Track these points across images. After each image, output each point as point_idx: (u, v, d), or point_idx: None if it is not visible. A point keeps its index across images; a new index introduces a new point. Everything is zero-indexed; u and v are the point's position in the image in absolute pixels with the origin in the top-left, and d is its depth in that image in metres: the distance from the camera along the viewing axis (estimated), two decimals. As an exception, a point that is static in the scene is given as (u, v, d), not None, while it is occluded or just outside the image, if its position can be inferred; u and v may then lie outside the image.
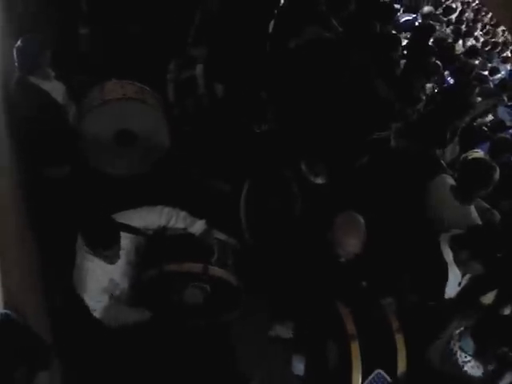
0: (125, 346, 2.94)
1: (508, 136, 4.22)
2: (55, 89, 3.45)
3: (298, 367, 2.73)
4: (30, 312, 2.47)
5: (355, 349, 2.41)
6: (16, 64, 3.26)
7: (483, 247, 2.61)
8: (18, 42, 3.21)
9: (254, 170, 3.38)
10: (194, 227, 2.96)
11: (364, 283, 2.89)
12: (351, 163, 3.51)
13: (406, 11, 6.66)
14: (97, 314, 2.81)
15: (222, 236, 3.05)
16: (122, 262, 2.82)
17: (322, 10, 4.52)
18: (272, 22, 4.62)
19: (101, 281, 2.75)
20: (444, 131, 3.76)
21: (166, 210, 2.93)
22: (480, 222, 3.03)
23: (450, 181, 3.13)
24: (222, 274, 2.91)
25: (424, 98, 4.05)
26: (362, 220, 2.72)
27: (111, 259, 2.71)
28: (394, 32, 5.11)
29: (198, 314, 3.09)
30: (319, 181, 3.20)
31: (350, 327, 2.45)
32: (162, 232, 2.94)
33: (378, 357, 2.48)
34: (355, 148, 3.60)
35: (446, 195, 3.07)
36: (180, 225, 2.94)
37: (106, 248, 2.61)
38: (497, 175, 2.93)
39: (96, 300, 2.78)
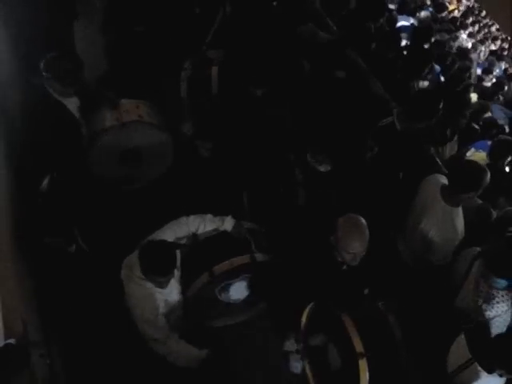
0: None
1: (507, 137, 4.24)
2: (74, 104, 3.47)
3: (296, 366, 2.74)
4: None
5: (363, 366, 2.42)
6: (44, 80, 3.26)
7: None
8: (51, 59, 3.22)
9: (259, 155, 3.41)
10: (224, 225, 2.98)
11: (366, 290, 2.89)
12: (357, 155, 3.57)
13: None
14: (160, 350, 2.75)
15: (249, 225, 3.09)
16: (171, 282, 2.78)
17: (317, 9, 4.57)
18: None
19: (158, 304, 2.72)
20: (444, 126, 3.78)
21: (191, 218, 2.95)
22: (462, 230, 3.02)
23: (443, 180, 3.11)
24: (268, 258, 2.94)
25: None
26: (364, 221, 2.68)
27: (163, 284, 2.68)
28: (390, 31, 5.12)
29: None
30: (323, 169, 3.23)
31: (358, 344, 2.44)
32: (194, 239, 2.96)
33: (384, 371, 2.51)
34: (358, 139, 3.63)
35: (435, 195, 3.07)
36: (210, 227, 2.97)
37: (164, 275, 2.60)
38: (487, 179, 2.91)
39: (156, 327, 2.73)
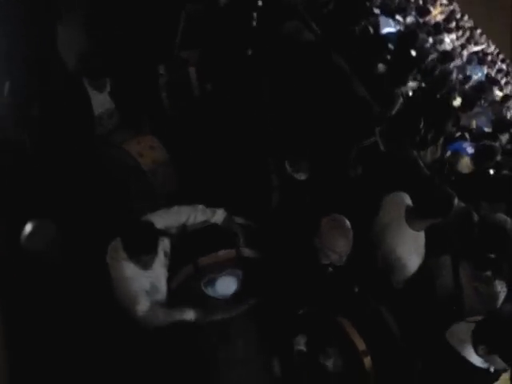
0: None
1: (491, 142, 4.31)
2: (99, 100, 3.46)
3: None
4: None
5: (369, 364, 2.45)
6: None
7: (498, 341, 2.32)
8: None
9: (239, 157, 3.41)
10: (215, 217, 2.98)
11: (357, 288, 2.88)
12: (340, 167, 3.57)
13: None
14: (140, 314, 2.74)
15: (240, 220, 3.07)
16: (157, 266, 2.81)
17: (300, 11, 4.58)
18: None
19: (144, 285, 2.75)
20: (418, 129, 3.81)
21: (183, 207, 2.96)
22: (423, 256, 2.95)
23: (407, 201, 3.03)
24: (254, 255, 2.92)
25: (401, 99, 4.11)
26: (347, 220, 2.69)
27: (147, 264, 2.71)
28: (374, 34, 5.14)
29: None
30: (301, 177, 3.22)
31: (360, 343, 2.47)
32: (183, 229, 2.96)
33: (388, 365, 2.53)
34: (342, 149, 3.65)
35: (398, 215, 2.97)
36: (200, 218, 2.96)
37: (145, 253, 2.63)
38: (455, 204, 2.86)
39: (141, 304, 2.72)
